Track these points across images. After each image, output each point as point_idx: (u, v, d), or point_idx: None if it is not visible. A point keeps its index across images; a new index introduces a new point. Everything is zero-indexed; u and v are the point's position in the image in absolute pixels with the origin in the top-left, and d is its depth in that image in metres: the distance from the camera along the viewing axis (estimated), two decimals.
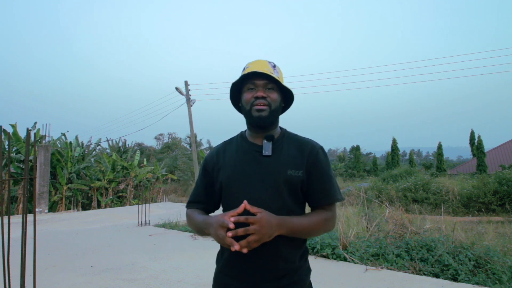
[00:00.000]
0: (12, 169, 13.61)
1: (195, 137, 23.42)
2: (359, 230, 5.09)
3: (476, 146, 25.95)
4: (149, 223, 7.95)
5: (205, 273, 3.94)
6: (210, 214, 1.27)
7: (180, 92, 17.16)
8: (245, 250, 0.99)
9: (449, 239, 4.25)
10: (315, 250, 4.54)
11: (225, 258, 1.20)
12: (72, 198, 16.20)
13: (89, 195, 17.32)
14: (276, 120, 1.24)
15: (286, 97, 1.27)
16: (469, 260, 3.80)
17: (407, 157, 41.78)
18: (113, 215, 10.28)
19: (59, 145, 16.71)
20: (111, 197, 17.15)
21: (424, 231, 4.75)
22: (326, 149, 1.33)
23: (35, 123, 15.47)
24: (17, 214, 12.08)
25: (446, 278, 3.58)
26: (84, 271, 4.15)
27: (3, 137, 4.07)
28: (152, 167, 20.17)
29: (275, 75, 1.18)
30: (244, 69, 1.23)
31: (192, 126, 17.54)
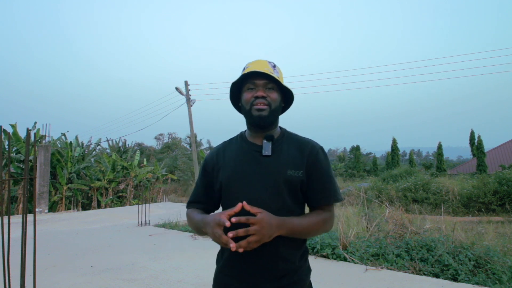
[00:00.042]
0: (12, 169, 13.61)
1: (195, 137, 23.42)
2: (359, 230, 5.09)
3: (476, 146, 25.96)
4: (149, 223, 7.95)
5: (205, 273, 3.94)
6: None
7: (180, 92, 17.16)
8: (240, 250, 0.99)
9: (449, 239, 4.25)
10: (315, 250, 4.54)
11: (225, 258, 1.20)
12: (72, 198, 16.20)
13: (89, 195, 17.32)
14: (276, 120, 1.24)
15: (286, 97, 1.27)
16: (469, 260, 3.80)
17: (407, 157, 41.78)
18: (113, 215, 10.28)
19: (59, 145, 16.71)
20: (111, 197, 17.15)
21: (424, 231, 4.75)
22: (326, 149, 1.33)
23: (35, 123, 15.47)
24: (17, 214, 12.08)
25: (446, 278, 3.58)
26: (84, 271, 4.15)
27: (3, 137, 4.07)
28: (152, 167, 20.18)
29: (275, 75, 1.18)
30: (244, 69, 1.23)
31: (192, 126, 17.54)
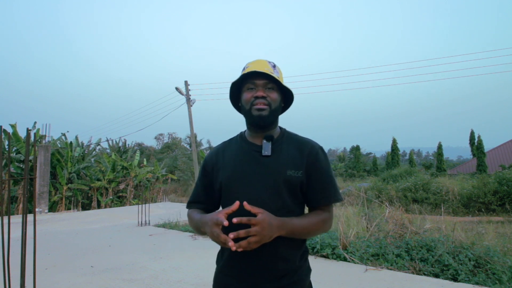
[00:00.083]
0: (12, 169, 13.61)
1: (195, 137, 23.42)
2: (359, 230, 5.08)
3: (476, 146, 25.96)
4: (149, 223, 7.95)
5: (205, 273, 3.94)
6: None
7: (180, 92, 17.17)
8: (240, 249, 0.99)
9: (449, 239, 4.25)
10: (315, 250, 4.54)
11: (225, 258, 1.20)
12: (72, 198, 16.20)
13: (89, 195, 17.32)
14: (276, 120, 1.24)
15: (286, 97, 1.27)
16: (469, 260, 3.80)
17: (407, 157, 41.78)
18: (113, 215, 10.28)
19: (59, 145, 16.71)
20: (111, 197, 17.15)
21: (424, 231, 4.75)
22: (326, 149, 1.33)
23: (35, 123, 15.47)
24: (17, 214, 12.08)
25: (446, 278, 3.58)
26: (84, 271, 4.15)
27: (3, 137, 4.07)
28: (152, 167, 20.17)
29: (275, 75, 1.18)
30: (244, 68, 1.23)
31: (192, 126, 17.54)
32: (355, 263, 4.15)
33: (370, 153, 48.62)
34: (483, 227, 7.06)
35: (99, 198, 17.04)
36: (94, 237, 6.58)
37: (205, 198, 1.30)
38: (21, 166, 14.16)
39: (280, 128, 1.29)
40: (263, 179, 1.15)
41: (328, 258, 4.40)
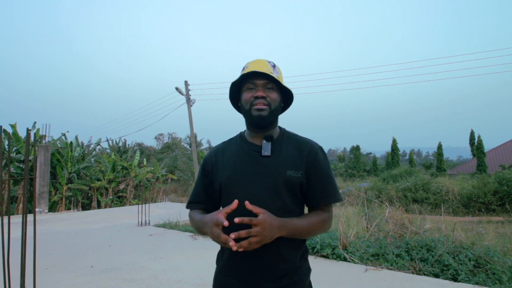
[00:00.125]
0: (12, 169, 13.61)
1: (195, 137, 23.42)
2: (359, 230, 5.08)
3: (476, 146, 25.97)
4: (149, 223, 7.95)
5: (205, 273, 3.94)
6: None
7: (180, 92, 17.17)
8: (241, 249, 0.99)
9: (449, 239, 4.25)
10: (315, 250, 4.54)
11: (225, 259, 1.20)
12: (72, 198, 16.20)
13: (89, 195, 17.32)
14: (275, 120, 1.23)
15: (286, 97, 1.27)
16: (469, 260, 3.80)
17: (407, 157, 41.79)
18: (113, 215, 10.28)
19: (59, 145, 16.71)
20: (111, 197, 17.15)
21: (424, 231, 4.75)
22: (326, 149, 1.33)
23: (35, 123, 15.46)
24: (17, 214, 12.08)
25: (446, 278, 3.58)
26: (84, 271, 4.15)
27: (3, 137, 4.07)
28: (152, 167, 20.17)
29: (274, 75, 1.17)
30: (243, 68, 1.23)
31: (192, 126, 17.54)
32: (355, 263, 4.15)
33: (370, 153, 48.62)
34: (483, 227, 7.06)
35: (99, 198, 17.04)
36: (94, 237, 6.58)
37: (205, 198, 1.30)
38: (21, 166, 14.16)
39: (280, 128, 1.29)
40: (263, 179, 1.15)
41: (328, 258, 4.40)
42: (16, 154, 14.27)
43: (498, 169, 20.27)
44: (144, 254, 5.02)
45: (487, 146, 27.01)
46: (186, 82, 17.42)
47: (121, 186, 17.61)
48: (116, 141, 22.71)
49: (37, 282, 2.91)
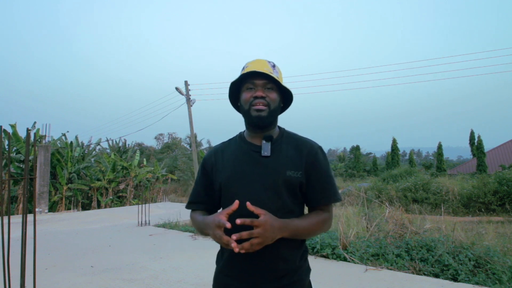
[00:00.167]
0: (12, 169, 13.60)
1: (195, 137, 23.42)
2: (359, 230, 5.08)
3: (476, 146, 25.97)
4: (149, 223, 7.95)
5: (205, 273, 3.94)
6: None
7: (180, 92, 17.17)
8: (243, 251, 0.99)
9: (449, 239, 4.25)
10: (315, 250, 4.54)
11: (225, 259, 1.20)
12: (72, 198, 16.20)
13: (89, 195, 17.32)
14: (275, 120, 1.23)
15: (285, 97, 1.27)
16: (469, 260, 3.80)
17: (407, 157, 41.79)
18: (113, 215, 10.28)
19: (59, 145, 16.71)
20: (111, 197, 17.15)
21: (424, 231, 4.75)
22: (326, 149, 1.33)
23: (35, 123, 15.46)
24: (17, 214, 12.08)
25: (446, 278, 3.58)
26: (84, 271, 4.15)
27: (3, 137, 4.07)
28: (152, 167, 20.17)
29: (274, 75, 1.17)
30: (243, 68, 1.23)
31: (192, 126, 17.54)
32: (355, 263, 4.15)
33: (370, 153, 48.62)
34: (483, 227, 7.06)
35: (99, 198, 17.04)
36: (94, 237, 6.58)
37: (205, 198, 1.30)
38: (21, 166, 14.15)
39: (279, 127, 1.29)
40: (262, 180, 1.15)
41: (328, 258, 4.39)
42: (16, 154, 14.27)
43: (498, 169, 20.27)
44: (144, 254, 5.02)
45: (487, 146, 27.02)
46: (186, 82, 17.42)
47: (121, 186, 17.61)
48: (116, 141, 22.74)
49: (37, 282, 2.91)
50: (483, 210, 13.36)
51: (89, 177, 16.81)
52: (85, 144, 19.74)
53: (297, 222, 1.12)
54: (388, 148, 33.81)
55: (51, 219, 9.55)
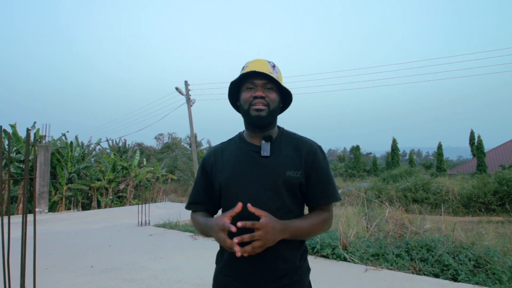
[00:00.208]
0: (12, 169, 13.60)
1: (195, 137, 23.42)
2: (359, 230, 5.08)
3: (476, 146, 25.98)
4: (149, 223, 7.95)
5: (205, 273, 3.94)
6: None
7: (180, 92, 17.17)
8: (245, 254, 1.00)
9: (449, 239, 4.25)
10: (315, 250, 4.54)
11: (225, 259, 1.20)
12: (72, 198, 16.20)
13: (89, 195, 17.32)
14: (274, 120, 1.23)
15: (285, 98, 1.27)
16: (469, 260, 3.80)
17: (407, 157, 41.79)
18: (113, 215, 10.28)
19: (59, 145, 16.70)
20: (111, 197, 17.15)
21: (424, 231, 4.75)
22: (326, 149, 1.33)
23: (35, 123, 15.45)
24: (17, 214, 12.08)
25: (446, 278, 3.58)
26: (84, 271, 4.15)
27: (3, 137, 4.07)
28: (152, 167, 20.17)
29: (274, 75, 1.17)
30: (243, 68, 1.23)
31: (192, 126, 17.54)
32: (355, 263, 4.15)
33: (370, 153, 48.62)
34: (483, 227, 7.06)
35: (99, 198, 17.04)
36: (94, 237, 6.58)
37: (205, 199, 1.29)
38: (21, 166, 14.15)
39: (278, 127, 1.28)
40: (262, 180, 1.15)
41: (328, 258, 4.39)
42: (16, 154, 14.27)
43: (498, 169, 20.27)
44: (144, 254, 5.02)
45: (487, 146, 27.03)
46: (186, 82, 17.42)
47: (121, 186, 17.61)
48: (116, 141, 22.75)
49: (37, 282, 2.91)
50: (483, 210, 13.37)
51: (89, 177, 16.81)
52: (85, 144, 19.76)
53: (298, 223, 1.12)
54: (388, 148, 33.83)
55: (51, 219, 9.55)
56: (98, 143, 20.45)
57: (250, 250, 0.99)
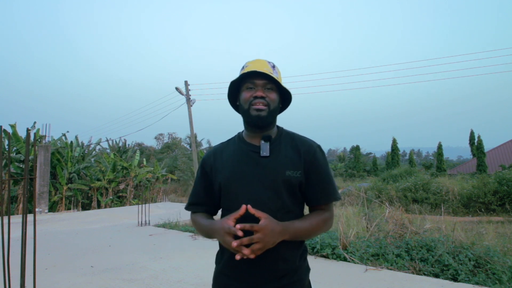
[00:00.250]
0: (12, 169, 13.60)
1: (195, 137, 23.42)
2: (359, 230, 5.08)
3: (476, 146, 25.98)
4: (149, 223, 7.95)
5: (205, 273, 3.94)
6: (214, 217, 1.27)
7: (180, 92, 17.17)
8: (245, 257, 1.00)
9: (449, 239, 4.25)
10: (315, 250, 4.54)
11: (225, 259, 1.20)
12: (72, 198, 16.20)
13: (89, 195, 17.31)
14: (274, 121, 1.23)
15: (284, 98, 1.27)
16: (469, 260, 3.80)
17: (407, 157, 41.80)
18: (113, 215, 10.28)
19: (59, 145, 16.70)
20: (111, 197, 17.14)
21: (424, 231, 4.75)
22: (326, 149, 1.33)
23: (35, 123, 15.45)
24: (17, 214, 12.08)
25: (446, 278, 3.58)
26: (84, 271, 4.15)
27: (3, 137, 4.06)
28: (152, 167, 20.17)
29: (274, 76, 1.17)
30: (243, 67, 1.23)
31: (192, 126, 17.54)
32: (355, 263, 4.15)
33: (370, 153, 48.62)
34: (483, 227, 7.06)
35: (99, 198, 17.04)
36: (94, 237, 6.58)
37: (205, 199, 1.29)
38: (21, 166, 14.15)
39: (278, 127, 1.28)
40: (262, 180, 1.15)
41: (328, 258, 4.39)
42: (16, 154, 14.27)
43: (498, 169, 20.27)
44: (144, 254, 5.02)
45: (487, 146, 27.03)
46: (186, 82, 17.43)
47: (121, 186, 17.61)
48: (116, 141, 22.75)
49: (37, 282, 2.91)
50: (483, 210, 13.37)
51: (89, 177, 16.81)
52: (85, 144, 19.76)
53: (298, 224, 1.12)
54: (388, 148, 33.83)
55: (51, 219, 9.55)
56: (98, 143, 20.46)
57: (249, 253, 0.99)
